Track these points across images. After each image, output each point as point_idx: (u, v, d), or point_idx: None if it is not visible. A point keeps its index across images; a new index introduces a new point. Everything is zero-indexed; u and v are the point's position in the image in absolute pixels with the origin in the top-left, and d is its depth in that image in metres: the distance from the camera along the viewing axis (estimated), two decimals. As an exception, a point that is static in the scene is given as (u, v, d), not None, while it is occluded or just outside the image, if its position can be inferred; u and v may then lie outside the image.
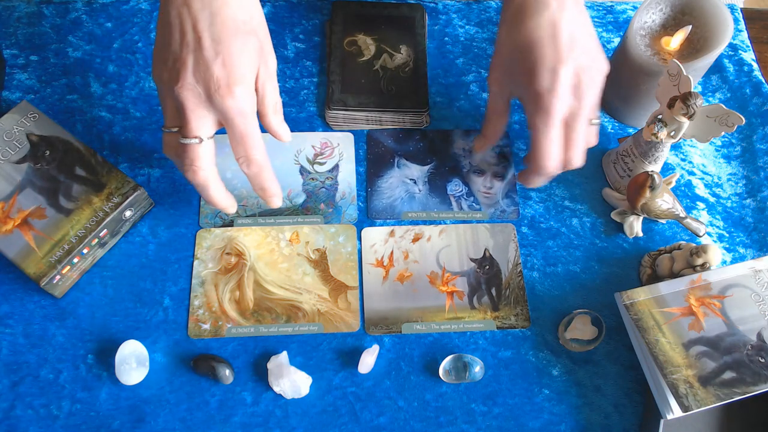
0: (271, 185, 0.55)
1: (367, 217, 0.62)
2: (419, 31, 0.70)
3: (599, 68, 0.54)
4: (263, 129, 0.58)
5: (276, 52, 0.70)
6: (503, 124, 0.60)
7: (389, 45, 0.69)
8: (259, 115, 0.53)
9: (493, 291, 0.60)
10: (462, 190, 0.64)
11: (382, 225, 0.62)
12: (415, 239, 0.62)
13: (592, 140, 0.57)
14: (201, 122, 0.50)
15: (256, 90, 0.51)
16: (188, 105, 0.49)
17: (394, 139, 0.66)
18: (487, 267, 0.61)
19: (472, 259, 0.61)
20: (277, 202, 0.56)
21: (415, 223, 0.63)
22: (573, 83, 0.52)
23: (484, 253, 0.61)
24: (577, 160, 0.55)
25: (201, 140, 0.50)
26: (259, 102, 0.52)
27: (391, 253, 0.61)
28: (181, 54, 0.48)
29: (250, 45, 0.50)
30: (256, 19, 0.51)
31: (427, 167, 0.65)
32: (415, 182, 0.65)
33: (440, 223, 0.63)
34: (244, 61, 0.49)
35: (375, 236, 0.62)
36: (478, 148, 0.64)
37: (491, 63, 0.57)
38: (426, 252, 0.61)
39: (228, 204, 0.55)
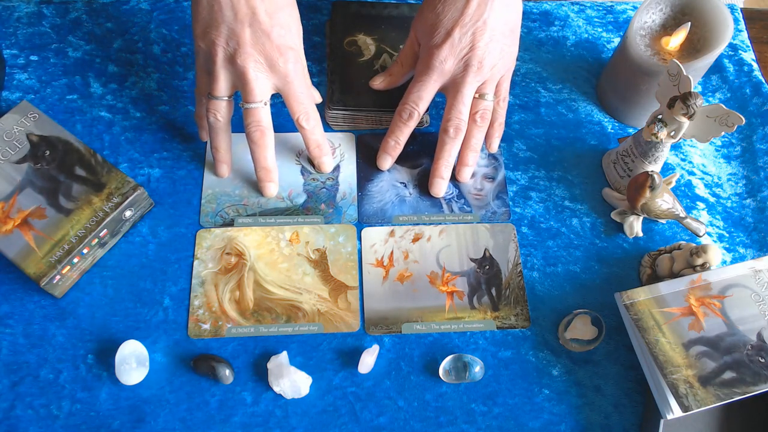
0: (325, 143, 0.62)
1: (358, 221, 0.62)
2: None
3: (502, 49, 0.58)
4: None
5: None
6: (407, 73, 0.64)
7: (389, 45, 0.69)
8: None
9: (493, 291, 0.60)
10: (452, 193, 0.64)
11: (381, 225, 0.62)
12: (415, 239, 0.62)
13: (496, 117, 0.63)
14: (263, 88, 0.56)
15: None
16: (251, 74, 0.54)
17: None
18: (487, 267, 0.61)
19: (472, 259, 0.61)
20: (328, 165, 0.63)
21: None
22: (463, 50, 0.57)
23: (484, 253, 0.61)
24: (454, 126, 0.59)
25: (265, 103, 0.57)
26: None
27: (391, 253, 0.61)
28: (237, 28, 0.53)
29: (294, 15, 0.57)
30: None
31: (417, 170, 0.65)
32: (405, 185, 0.64)
33: (440, 223, 0.63)
34: (293, 29, 0.56)
35: (375, 236, 0.62)
36: (375, 84, 0.65)
37: (419, 7, 0.61)
38: (426, 252, 0.61)
39: (276, 174, 0.60)
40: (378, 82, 0.65)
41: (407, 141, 0.65)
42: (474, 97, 0.60)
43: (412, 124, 0.61)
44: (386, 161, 0.63)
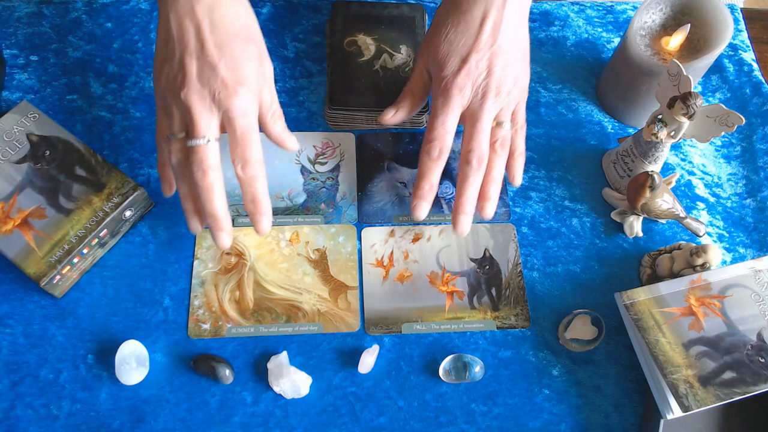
0: (264, 199, 0.53)
1: (358, 221, 0.62)
2: (419, 31, 0.70)
3: (516, 74, 0.55)
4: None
5: (276, 52, 0.71)
6: (417, 104, 0.60)
7: (389, 45, 0.69)
8: (260, 123, 0.54)
9: (493, 291, 0.60)
10: (452, 193, 0.64)
11: (381, 225, 0.62)
12: (415, 239, 0.62)
13: (515, 147, 0.58)
14: (207, 123, 0.51)
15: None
16: (195, 108, 0.50)
17: (384, 142, 0.66)
18: (487, 267, 0.61)
19: (472, 259, 0.61)
20: (265, 225, 0.53)
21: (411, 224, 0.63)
22: (480, 76, 0.54)
23: (484, 253, 0.61)
24: (477, 156, 0.54)
25: (209, 141, 0.51)
26: (259, 108, 0.54)
27: (391, 253, 0.61)
28: (185, 61, 0.50)
29: (250, 50, 0.52)
30: (252, 27, 0.54)
31: (417, 170, 0.65)
32: (405, 185, 0.64)
33: (440, 223, 0.63)
34: (246, 64, 0.51)
35: (375, 236, 0.62)
36: (387, 118, 0.60)
37: (425, 37, 0.59)
38: (426, 252, 0.61)
39: (226, 222, 0.53)
40: (390, 116, 0.60)
41: (408, 141, 0.65)
42: (492, 126, 0.56)
43: (442, 162, 0.56)
44: (423, 209, 0.56)
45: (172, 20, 0.51)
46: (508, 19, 0.54)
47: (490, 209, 0.57)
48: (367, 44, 0.69)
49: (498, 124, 0.56)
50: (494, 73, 0.54)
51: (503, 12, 0.54)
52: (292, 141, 0.57)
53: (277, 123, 0.56)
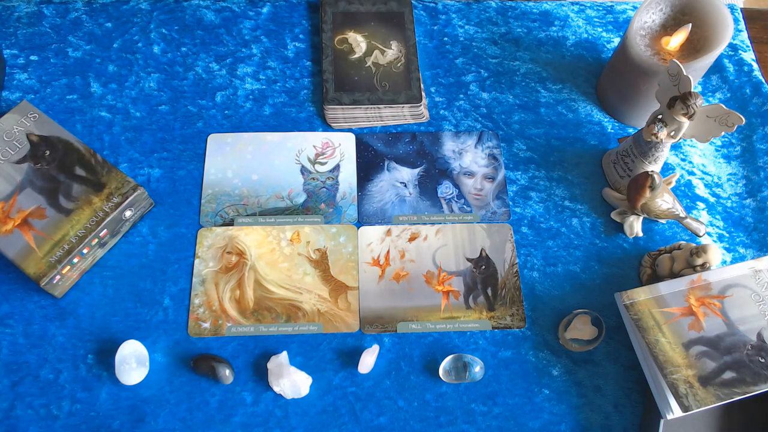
0: None
1: (358, 221, 0.62)
2: (408, 26, 0.70)
3: None
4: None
5: (276, 52, 0.71)
6: None
7: (379, 41, 0.69)
8: None
9: (489, 291, 0.60)
10: (452, 193, 0.64)
11: (381, 225, 0.62)
12: (412, 238, 0.62)
13: None
14: None
15: None
16: None
17: (384, 142, 0.66)
18: (483, 267, 0.61)
19: (468, 259, 0.61)
20: None
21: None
22: None
23: (481, 253, 0.61)
24: None
25: None
26: None
27: (388, 252, 0.61)
28: None
29: None
30: None
31: (417, 170, 0.65)
32: (405, 185, 0.64)
33: (440, 223, 0.63)
34: None
35: (371, 235, 0.62)
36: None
37: None
38: (422, 251, 0.61)
39: None
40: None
41: (408, 141, 0.65)
42: None
43: None
44: None
45: None
46: None
47: None
48: (358, 41, 0.69)
49: None
50: None
51: None
52: None
53: None
